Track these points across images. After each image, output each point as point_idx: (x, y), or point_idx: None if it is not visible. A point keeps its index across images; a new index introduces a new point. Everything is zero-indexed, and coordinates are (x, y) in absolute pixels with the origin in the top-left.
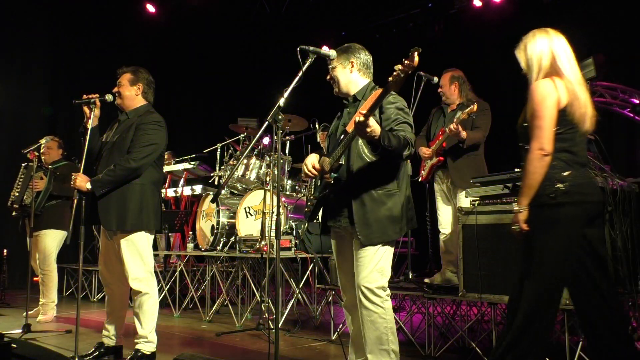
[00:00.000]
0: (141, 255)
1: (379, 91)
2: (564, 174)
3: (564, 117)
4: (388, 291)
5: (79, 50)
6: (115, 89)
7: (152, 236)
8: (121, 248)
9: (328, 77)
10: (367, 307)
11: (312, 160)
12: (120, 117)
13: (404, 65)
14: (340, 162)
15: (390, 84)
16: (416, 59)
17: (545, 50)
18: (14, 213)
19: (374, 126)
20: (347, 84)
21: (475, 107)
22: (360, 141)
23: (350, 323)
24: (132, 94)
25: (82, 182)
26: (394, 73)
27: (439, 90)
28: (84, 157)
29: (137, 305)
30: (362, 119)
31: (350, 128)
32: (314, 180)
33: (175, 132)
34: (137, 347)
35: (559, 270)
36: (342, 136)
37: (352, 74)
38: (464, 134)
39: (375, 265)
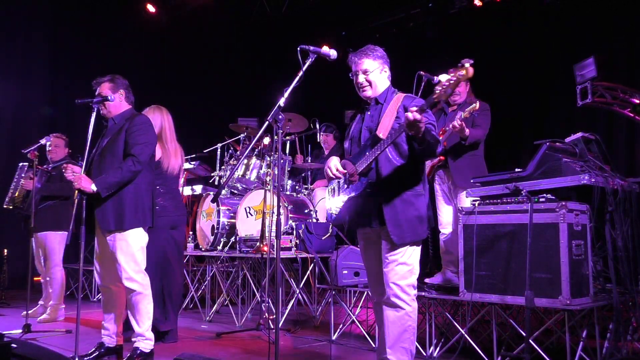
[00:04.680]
0: (134, 254)
1: (401, 95)
2: (157, 199)
3: (159, 165)
4: (416, 290)
5: (79, 50)
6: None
7: (147, 235)
8: (115, 247)
9: (360, 79)
10: (396, 304)
11: (335, 163)
12: (107, 124)
13: (455, 75)
14: (370, 167)
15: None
16: (469, 69)
17: (158, 123)
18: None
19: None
20: (380, 88)
21: (477, 105)
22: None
23: (381, 322)
24: (116, 101)
25: (86, 184)
26: (444, 85)
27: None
28: (85, 159)
29: (132, 305)
30: (418, 117)
31: (381, 133)
32: (336, 182)
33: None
34: (135, 345)
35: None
36: (370, 141)
37: (384, 79)
38: (467, 131)
39: (406, 264)
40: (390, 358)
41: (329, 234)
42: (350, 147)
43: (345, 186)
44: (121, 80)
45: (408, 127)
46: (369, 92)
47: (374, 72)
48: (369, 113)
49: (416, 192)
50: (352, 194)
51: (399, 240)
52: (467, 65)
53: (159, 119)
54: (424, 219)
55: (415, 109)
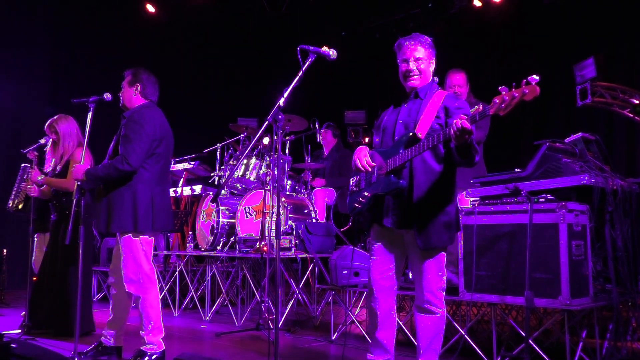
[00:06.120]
0: (133, 257)
1: (442, 93)
2: None
3: None
4: (444, 292)
5: (79, 50)
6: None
7: (148, 237)
8: (119, 249)
9: (412, 66)
10: (431, 310)
11: (365, 155)
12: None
13: (520, 92)
14: (404, 166)
15: (497, 110)
16: (536, 89)
17: (74, 130)
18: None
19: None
20: (426, 80)
21: (480, 107)
22: None
23: (376, 321)
24: (131, 95)
25: (79, 170)
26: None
27: (456, 90)
28: (83, 157)
29: (138, 308)
30: (468, 126)
31: (420, 133)
32: (363, 175)
33: (175, 132)
34: (141, 348)
35: None
36: (406, 138)
37: (431, 72)
38: None
39: (437, 269)
40: None
41: (350, 223)
42: (382, 139)
43: (371, 181)
44: (143, 75)
45: (455, 136)
46: (417, 82)
47: (425, 62)
48: (405, 106)
49: (448, 197)
50: (378, 192)
51: (424, 245)
52: (533, 82)
53: (72, 126)
54: (451, 226)
55: (465, 117)
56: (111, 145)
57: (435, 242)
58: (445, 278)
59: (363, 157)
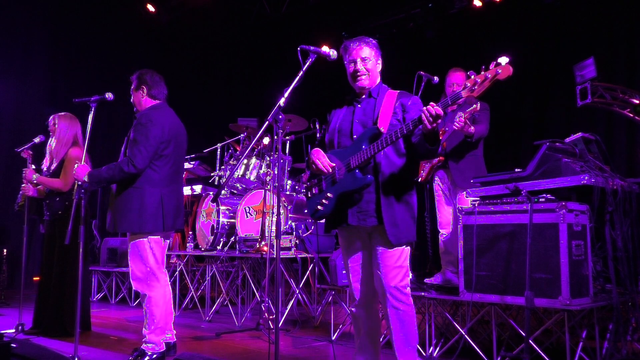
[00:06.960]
0: (139, 257)
1: (394, 92)
2: None
3: None
4: (409, 289)
5: (79, 50)
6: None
7: (157, 237)
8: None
9: (359, 66)
10: (397, 307)
11: (323, 156)
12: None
13: (492, 72)
14: (369, 162)
15: (473, 95)
16: (508, 68)
17: (72, 129)
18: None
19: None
20: (375, 80)
21: (478, 106)
22: None
23: (360, 326)
24: (140, 98)
25: (81, 171)
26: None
27: (455, 88)
28: (84, 158)
29: (143, 306)
30: (440, 112)
31: (382, 128)
32: (323, 177)
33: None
34: (142, 347)
35: None
36: (368, 134)
37: (378, 72)
38: (472, 128)
39: (401, 264)
40: None
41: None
42: (338, 140)
43: (334, 181)
44: (146, 76)
45: (428, 122)
46: (366, 82)
47: (371, 61)
48: (359, 106)
49: (411, 192)
50: (344, 190)
51: (396, 240)
52: (503, 63)
53: (75, 126)
54: (416, 220)
55: (438, 107)
56: (123, 147)
57: (406, 236)
58: (409, 275)
59: (322, 158)
